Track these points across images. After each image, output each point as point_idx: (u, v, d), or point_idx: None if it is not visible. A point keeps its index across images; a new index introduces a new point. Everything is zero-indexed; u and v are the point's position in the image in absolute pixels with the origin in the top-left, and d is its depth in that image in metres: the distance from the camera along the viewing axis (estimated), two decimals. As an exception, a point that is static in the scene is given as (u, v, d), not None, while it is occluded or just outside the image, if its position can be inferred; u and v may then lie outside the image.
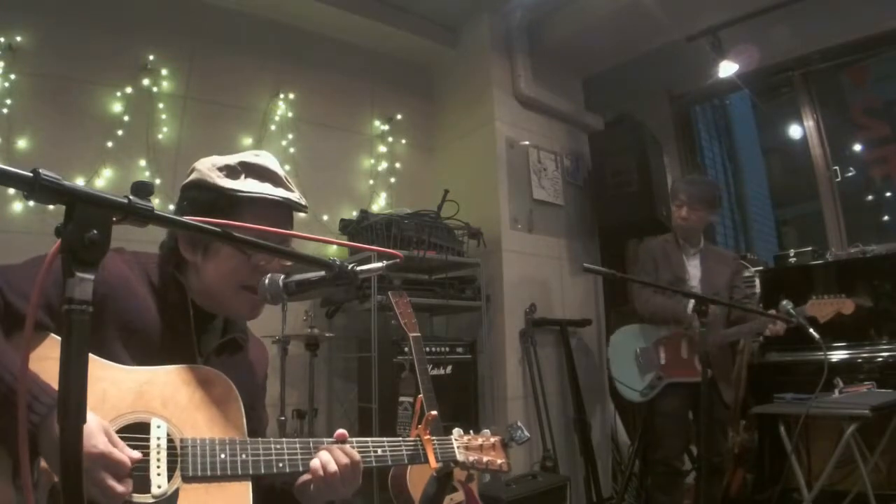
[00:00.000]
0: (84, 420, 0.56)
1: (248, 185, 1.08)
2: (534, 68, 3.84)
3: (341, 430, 1.10)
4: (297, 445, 1.03)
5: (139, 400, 0.90)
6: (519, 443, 1.32)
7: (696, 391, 2.75)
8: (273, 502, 1.16)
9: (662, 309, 2.89)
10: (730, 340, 2.88)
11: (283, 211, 1.12)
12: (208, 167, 1.10)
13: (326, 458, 1.04)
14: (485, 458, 1.26)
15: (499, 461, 1.27)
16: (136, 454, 0.82)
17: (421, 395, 1.25)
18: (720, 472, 2.90)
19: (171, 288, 1.08)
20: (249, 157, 1.14)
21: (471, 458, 1.25)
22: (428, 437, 1.19)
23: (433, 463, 1.17)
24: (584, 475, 3.36)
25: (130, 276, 1.05)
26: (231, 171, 1.10)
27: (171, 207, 1.19)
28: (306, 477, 1.06)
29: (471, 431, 1.31)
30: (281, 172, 1.15)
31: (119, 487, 0.78)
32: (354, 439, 1.10)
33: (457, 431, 1.28)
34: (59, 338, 0.85)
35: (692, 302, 2.79)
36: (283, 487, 1.14)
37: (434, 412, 1.23)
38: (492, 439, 1.30)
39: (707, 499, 2.63)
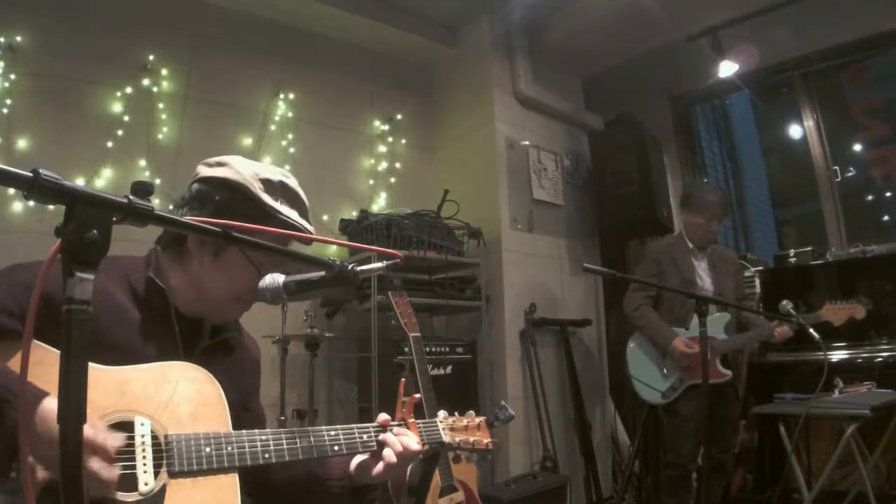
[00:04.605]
0: (84, 420, 0.56)
1: (283, 209, 1.09)
2: (534, 68, 3.84)
3: (385, 416, 1.16)
4: (283, 435, 1.03)
5: (121, 399, 0.90)
6: (504, 422, 1.32)
7: (716, 392, 2.76)
8: (301, 492, 1.18)
9: (649, 325, 2.88)
10: (736, 348, 2.88)
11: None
12: (251, 175, 1.08)
13: (407, 441, 1.13)
14: (471, 439, 1.26)
15: (485, 441, 1.27)
16: (119, 440, 0.81)
17: (404, 379, 1.24)
18: (724, 471, 2.90)
19: (153, 293, 1.06)
20: (281, 176, 1.13)
21: (457, 439, 1.24)
22: (412, 420, 1.19)
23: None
24: (584, 475, 3.36)
25: (108, 284, 1.02)
26: (270, 187, 1.09)
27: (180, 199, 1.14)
28: (364, 457, 1.15)
29: (455, 413, 1.30)
30: (306, 200, 1.16)
31: (105, 472, 0.77)
32: (339, 426, 1.11)
33: (442, 413, 1.28)
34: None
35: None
36: (315, 476, 1.17)
37: (417, 395, 1.22)
38: (477, 420, 1.30)
39: (709, 498, 2.64)
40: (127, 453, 0.86)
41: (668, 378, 2.85)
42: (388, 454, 1.11)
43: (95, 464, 0.76)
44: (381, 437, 1.12)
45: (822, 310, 2.62)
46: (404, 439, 1.13)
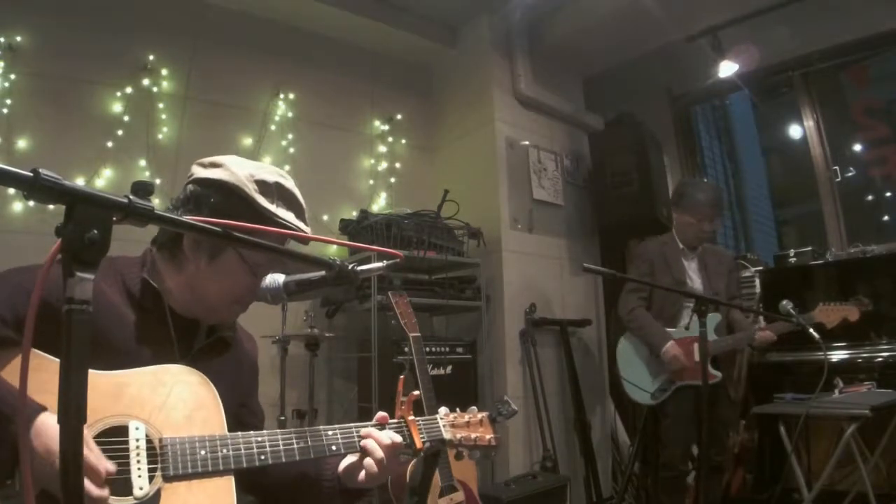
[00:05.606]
0: (84, 420, 0.56)
1: (279, 212, 1.06)
2: (534, 68, 3.84)
3: (383, 414, 1.13)
4: (279, 436, 1.03)
5: (117, 403, 0.90)
6: (507, 417, 1.29)
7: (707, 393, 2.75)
8: (294, 491, 1.17)
9: (644, 327, 2.87)
10: (725, 350, 2.85)
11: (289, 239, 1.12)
12: (245, 176, 1.05)
13: (381, 436, 1.09)
14: (473, 435, 1.23)
15: (487, 437, 1.24)
16: (112, 466, 0.80)
17: (403, 376, 1.22)
18: (721, 471, 2.90)
19: (147, 294, 1.05)
20: (276, 176, 1.10)
21: (458, 436, 1.22)
22: (412, 417, 1.17)
23: (419, 444, 1.15)
24: (584, 475, 3.36)
25: (104, 286, 1.01)
26: (265, 189, 1.06)
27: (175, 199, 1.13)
28: (352, 460, 1.12)
29: (457, 409, 1.28)
30: (303, 202, 1.14)
31: (95, 490, 0.76)
32: (337, 426, 1.09)
33: (443, 410, 1.26)
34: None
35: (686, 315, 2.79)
36: (307, 475, 1.15)
37: (417, 392, 1.20)
38: (479, 416, 1.27)
39: (707, 499, 2.64)
40: (122, 457, 0.86)
41: (657, 379, 2.84)
42: (375, 450, 1.08)
43: (87, 482, 0.75)
44: (363, 443, 1.09)
45: (815, 311, 2.59)
46: (381, 436, 1.09)
